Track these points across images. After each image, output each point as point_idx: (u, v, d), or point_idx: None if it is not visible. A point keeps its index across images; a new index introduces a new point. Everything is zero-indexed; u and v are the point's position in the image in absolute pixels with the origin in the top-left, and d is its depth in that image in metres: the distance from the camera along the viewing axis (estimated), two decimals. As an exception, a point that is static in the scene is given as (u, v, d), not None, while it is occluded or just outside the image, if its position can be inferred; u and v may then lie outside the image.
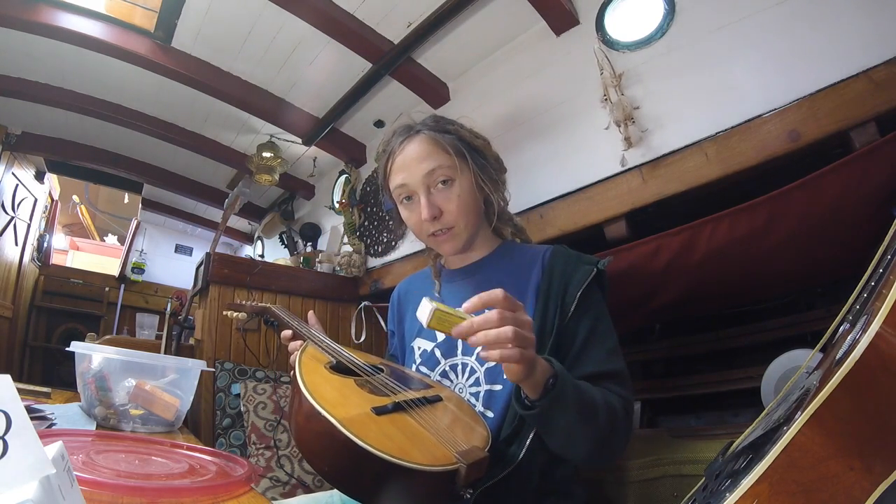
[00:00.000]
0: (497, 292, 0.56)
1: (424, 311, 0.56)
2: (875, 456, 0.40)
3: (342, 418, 0.55)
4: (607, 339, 0.78)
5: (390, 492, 0.55)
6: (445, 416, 0.67)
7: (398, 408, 0.64)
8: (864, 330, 0.42)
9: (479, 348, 0.84)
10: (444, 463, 0.55)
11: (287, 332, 0.91)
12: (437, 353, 0.88)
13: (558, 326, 0.77)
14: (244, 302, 1.19)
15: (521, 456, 0.71)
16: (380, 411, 0.62)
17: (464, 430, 0.65)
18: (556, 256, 0.85)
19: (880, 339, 0.41)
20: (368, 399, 0.65)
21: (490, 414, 0.78)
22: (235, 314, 1.15)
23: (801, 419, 0.42)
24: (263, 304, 1.13)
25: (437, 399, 0.72)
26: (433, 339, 0.90)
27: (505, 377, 0.78)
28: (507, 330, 0.54)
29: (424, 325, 0.55)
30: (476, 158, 0.88)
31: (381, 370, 0.78)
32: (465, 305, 0.56)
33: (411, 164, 0.84)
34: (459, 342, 0.86)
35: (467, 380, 0.83)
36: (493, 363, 0.81)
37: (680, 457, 1.07)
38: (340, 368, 0.76)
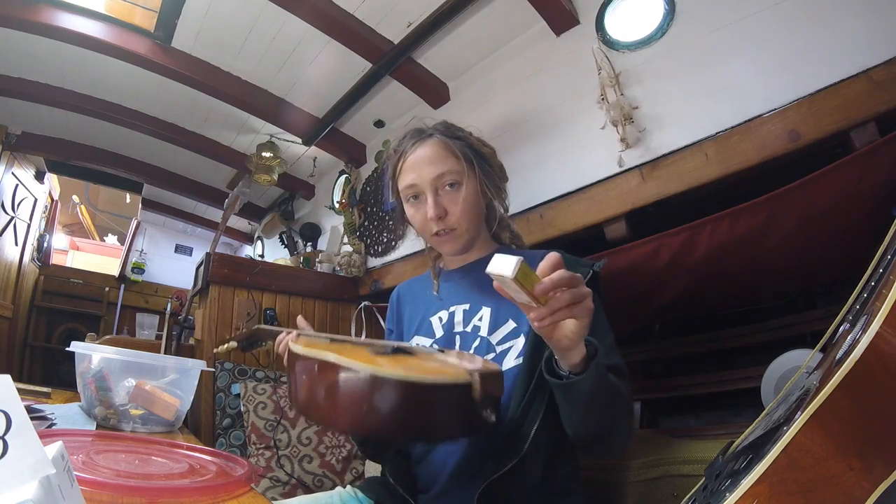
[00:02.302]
0: (559, 259, 0.55)
1: (509, 263, 0.51)
2: (875, 456, 0.40)
3: (349, 357, 0.54)
4: (605, 336, 0.79)
5: (411, 420, 0.53)
6: (451, 357, 0.67)
7: (399, 350, 0.65)
8: (864, 330, 0.42)
9: (474, 345, 0.85)
10: (457, 376, 0.54)
11: (281, 336, 0.92)
12: (436, 349, 0.89)
13: None
14: (228, 337, 1.18)
15: (525, 448, 0.72)
16: (382, 352, 0.63)
17: (471, 361, 0.65)
18: None
19: (880, 339, 0.41)
20: (371, 350, 0.65)
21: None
22: (225, 347, 1.12)
23: (801, 419, 0.42)
24: (253, 328, 1.11)
25: (440, 351, 0.73)
26: (432, 335, 0.91)
27: (506, 370, 0.79)
28: (584, 290, 0.55)
29: (510, 275, 0.51)
30: (482, 165, 0.91)
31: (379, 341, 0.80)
32: (542, 265, 0.54)
33: (422, 166, 0.88)
34: (458, 338, 0.88)
35: None
36: (491, 355, 0.83)
37: (680, 457, 1.07)
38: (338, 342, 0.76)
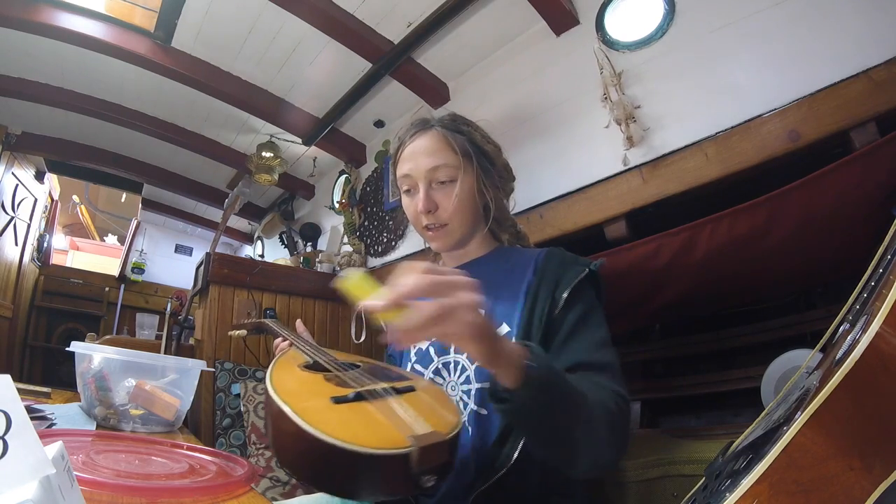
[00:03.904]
0: (422, 267, 0.47)
1: (349, 277, 0.49)
2: (875, 456, 0.40)
3: (295, 406, 0.56)
4: (597, 331, 0.76)
5: (348, 479, 0.55)
6: (412, 405, 0.65)
7: (359, 397, 0.63)
8: (864, 330, 0.42)
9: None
10: (396, 446, 0.53)
11: (277, 341, 0.96)
12: (431, 351, 0.89)
13: (546, 322, 0.77)
14: (244, 321, 1.29)
15: (515, 455, 0.71)
16: (339, 400, 0.61)
17: (429, 416, 0.63)
18: (550, 257, 0.86)
19: (880, 339, 0.41)
20: (332, 390, 0.66)
21: (484, 412, 0.78)
22: (237, 332, 1.26)
23: (801, 419, 0.42)
24: (259, 320, 1.22)
25: (409, 389, 0.71)
26: (428, 337, 0.90)
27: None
28: (453, 302, 0.46)
29: (342, 287, 0.49)
30: (482, 162, 0.90)
31: (357, 367, 0.79)
32: (399, 276, 0.47)
33: (418, 157, 0.87)
34: None
35: (458, 377, 0.84)
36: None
37: (680, 457, 1.07)
38: (315, 367, 0.77)
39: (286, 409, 0.55)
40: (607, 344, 0.76)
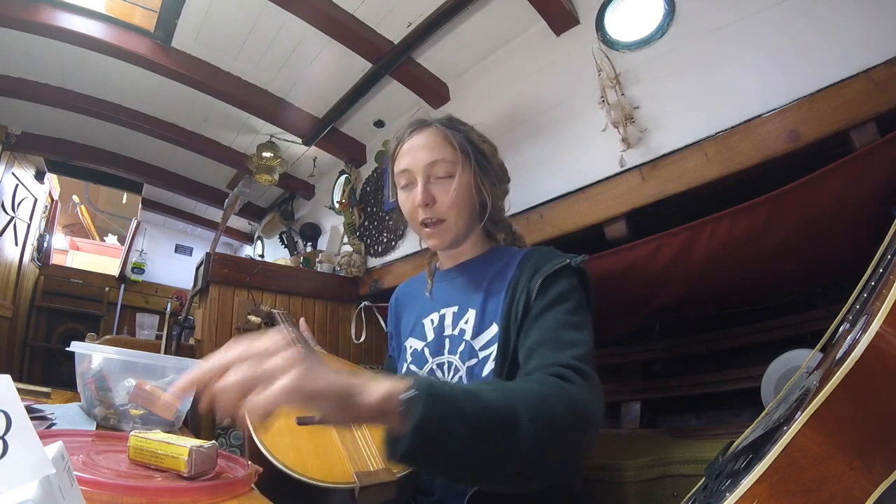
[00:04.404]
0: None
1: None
2: (875, 456, 0.40)
3: (257, 425, 0.55)
4: (566, 315, 0.72)
5: (300, 501, 0.57)
6: (376, 434, 0.65)
7: (324, 420, 0.60)
8: (864, 330, 0.42)
9: (459, 349, 0.84)
10: (340, 481, 0.55)
11: None
12: (427, 352, 0.90)
13: (522, 313, 0.76)
14: (262, 306, 1.35)
15: None
16: (303, 421, 0.56)
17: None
18: (533, 252, 0.87)
19: (880, 339, 0.41)
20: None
21: None
22: (254, 318, 1.35)
23: (801, 419, 0.42)
24: (271, 310, 1.31)
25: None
26: (424, 338, 0.91)
27: (484, 376, 0.78)
28: (264, 371, 0.42)
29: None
30: (480, 160, 0.90)
31: None
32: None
33: (417, 152, 0.88)
34: (447, 341, 0.87)
35: (452, 377, 0.84)
36: (473, 362, 0.81)
37: (680, 457, 1.07)
38: None
39: (249, 423, 0.52)
40: (577, 326, 0.71)
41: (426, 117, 0.94)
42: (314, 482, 0.53)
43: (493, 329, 0.81)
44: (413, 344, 0.93)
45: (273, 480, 0.56)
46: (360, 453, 0.60)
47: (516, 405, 0.49)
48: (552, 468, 0.53)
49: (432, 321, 0.91)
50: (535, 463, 0.51)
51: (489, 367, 0.79)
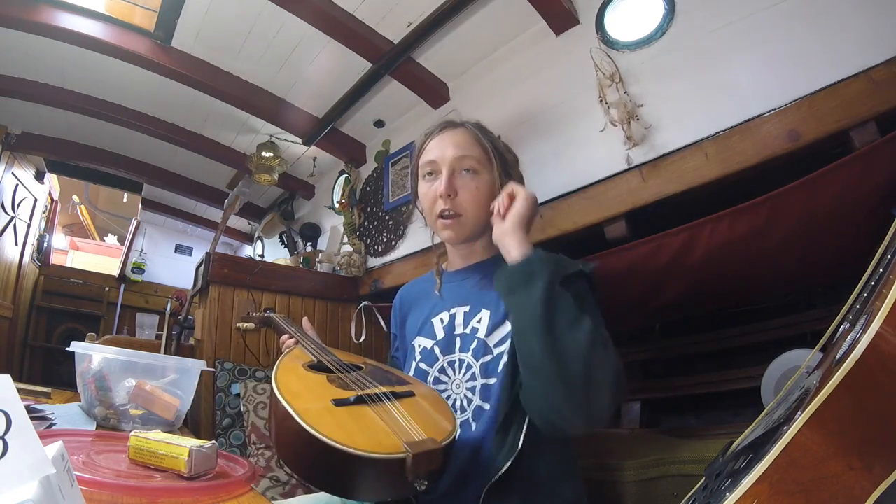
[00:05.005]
0: None
1: None
2: (875, 455, 0.40)
3: (297, 407, 0.58)
4: (583, 303, 0.73)
5: (344, 479, 0.57)
6: (410, 410, 0.67)
7: (360, 400, 0.66)
8: (864, 330, 0.42)
9: (472, 346, 0.85)
10: (391, 451, 0.56)
11: (284, 337, 0.98)
12: (437, 350, 0.90)
13: None
14: (252, 313, 1.33)
15: (521, 441, 0.72)
16: (340, 403, 0.64)
17: (425, 423, 0.65)
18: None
19: (880, 339, 0.41)
20: (334, 392, 0.68)
21: (487, 406, 0.81)
22: (245, 325, 1.33)
23: (801, 419, 0.42)
24: (266, 314, 1.28)
25: (409, 394, 0.73)
26: (433, 336, 0.92)
27: (499, 371, 0.80)
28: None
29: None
30: (504, 167, 0.93)
31: (360, 368, 0.81)
32: None
33: (446, 146, 0.90)
34: (458, 339, 0.88)
35: (464, 375, 0.85)
36: (487, 358, 0.83)
37: (680, 457, 1.07)
38: (319, 367, 0.79)
39: (289, 409, 0.57)
40: (594, 314, 0.74)
41: (457, 119, 0.96)
42: (367, 454, 0.54)
43: (507, 326, 0.82)
44: (422, 343, 0.93)
45: (318, 462, 0.57)
46: (400, 427, 0.62)
47: (585, 321, 0.67)
48: (603, 385, 0.64)
49: (442, 320, 0.92)
50: (591, 371, 0.63)
51: (503, 362, 0.80)
